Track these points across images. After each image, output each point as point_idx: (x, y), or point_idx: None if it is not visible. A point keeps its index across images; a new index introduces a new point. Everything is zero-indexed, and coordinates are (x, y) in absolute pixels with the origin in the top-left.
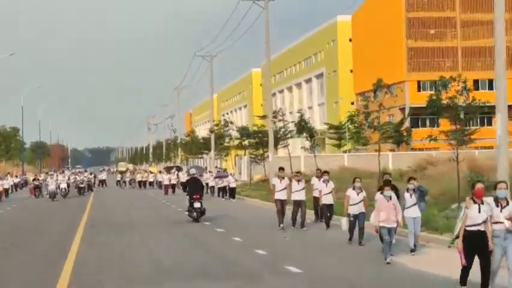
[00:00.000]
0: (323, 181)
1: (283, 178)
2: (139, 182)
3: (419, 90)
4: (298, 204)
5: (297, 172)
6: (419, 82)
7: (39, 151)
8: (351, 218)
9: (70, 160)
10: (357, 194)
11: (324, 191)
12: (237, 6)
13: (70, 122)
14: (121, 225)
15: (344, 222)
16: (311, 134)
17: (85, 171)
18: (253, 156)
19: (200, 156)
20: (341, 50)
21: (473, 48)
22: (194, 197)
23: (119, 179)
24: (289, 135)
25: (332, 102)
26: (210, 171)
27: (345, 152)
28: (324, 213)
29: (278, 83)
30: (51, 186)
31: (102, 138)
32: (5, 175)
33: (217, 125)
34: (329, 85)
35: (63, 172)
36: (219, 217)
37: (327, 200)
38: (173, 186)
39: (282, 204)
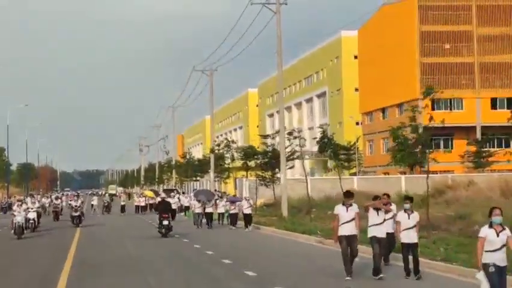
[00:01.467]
0: (404, 211)
1: (351, 205)
2: (136, 207)
3: (433, 109)
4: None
5: (385, 194)
6: (433, 100)
7: (26, 173)
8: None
9: (58, 183)
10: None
11: (405, 225)
12: (242, 13)
13: (59, 144)
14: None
15: (482, 279)
16: (335, 151)
17: (78, 194)
18: (261, 178)
19: (195, 179)
20: (345, 67)
21: (491, 64)
22: (163, 215)
23: (106, 203)
24: (293, 156)
25: (335, 123)
26: (220, 196)
27: (353, 174)
28: (404, 256)
29: (276, 103)
30: (18, 218)
31: (92, 161)
32: None
33: (218, 144)
34: (332, 105)
35: (32, 196)
36: (249, 257)
37: (408, 237)
38: (173, 211)
39: (349, 242)
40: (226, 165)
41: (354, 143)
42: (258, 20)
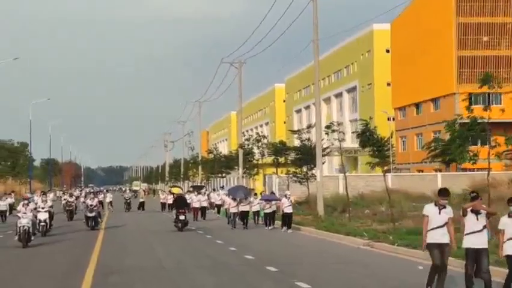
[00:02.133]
0: (509, 215)
1: (444, 207)
2: (162, 204)
3: (470, 103)
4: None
5: (473, 193)
6: (470, 95)
7: (50, 168)
8: None
9: (82, 179)
10: None
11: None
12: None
13: (83, 140)
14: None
15: None
16: (379, 146)
17: (100, 191)
18: (294, 174)
19: (222, 175)
20: (377, 61)
21: None
22: (179, 211)
23: (128, 200)
24: (328, 151)
25: (366, 118)
26: (255, 193)
27: (386, 171)
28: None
29: (304, 98)
30: (24, 221)
31: (115, 157)
32: (7, 194)
33: (247, 139)
34: (363, 100)
35: (43, 194)
36: (296, 263)
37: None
38: (203, 210)
39: (441, 252)
40: (255, 161)
41: (388, 139)
42: (288, 13)
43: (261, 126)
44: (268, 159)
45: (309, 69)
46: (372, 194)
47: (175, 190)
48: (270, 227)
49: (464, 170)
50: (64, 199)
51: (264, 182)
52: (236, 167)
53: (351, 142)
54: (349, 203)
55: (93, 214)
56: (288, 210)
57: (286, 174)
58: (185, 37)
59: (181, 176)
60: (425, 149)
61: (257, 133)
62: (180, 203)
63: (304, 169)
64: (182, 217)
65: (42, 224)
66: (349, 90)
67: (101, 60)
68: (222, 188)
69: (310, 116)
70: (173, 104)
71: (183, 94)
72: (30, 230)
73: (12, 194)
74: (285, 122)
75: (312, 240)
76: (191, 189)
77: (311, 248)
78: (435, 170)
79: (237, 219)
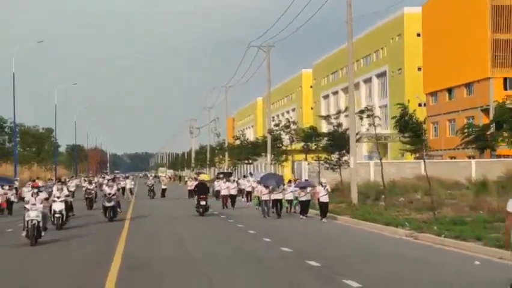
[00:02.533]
0: None
1: None
2: (190, 192)
3: (505, 88)
4: None
5: None
6: (505, 79)
7: (75, 154)
8: None
9: (108, 165)
10: None
11: None
12: None
13: (109, 127)
14: None
15: None
16: (418, 131)
17: (126, 177)
18: (327, 161)
19: (249, 161)
20: (408, 45)
21: None
22: (201, 197)
23: (152, 186)
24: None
25: (396, 104)
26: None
27: (419, 158)
28: None
29: (332, 84)
30: (32, 214)
31: (141, 144)
32: (32, 181)
33: (277, 125)
34: (393, 85)
35: (62, 182)
36: (340, 258)
37: None
38: (232, 198)
39: None
40: (284, 148)
41: (421, 124)
42: None
43: (288, 112)
44: (298, 146)
45: (337, 54)
46: (404, 181)
47: (204, 177)
48: (304, 216)
49: (499, 156)
50: (83, 186)
51: (292, 169)
52: (263, 154)
53: (380, 128)
54: (384, 191)
55: (111, 204)
56: (324, 199)
57: (315, 160)
58: (214, 24)
59: (207, 163)
60: (459, 135)
61: (287, 119)
62: (201, 189)
63: (336, 155)
64: (203, 202)
65: (58, 215)
66: (378, 76)
67: (128, 45)
68: (251, 175)
69: (338, 101)
70: (200, 91)
71: (210, 80)
72: (40, 224)
73: (37, 181)
74: (312, 108)
75: (350, 230)
76: (221, 175)
77: (351, 240)
78: (469, 157)
79: (270, 207)
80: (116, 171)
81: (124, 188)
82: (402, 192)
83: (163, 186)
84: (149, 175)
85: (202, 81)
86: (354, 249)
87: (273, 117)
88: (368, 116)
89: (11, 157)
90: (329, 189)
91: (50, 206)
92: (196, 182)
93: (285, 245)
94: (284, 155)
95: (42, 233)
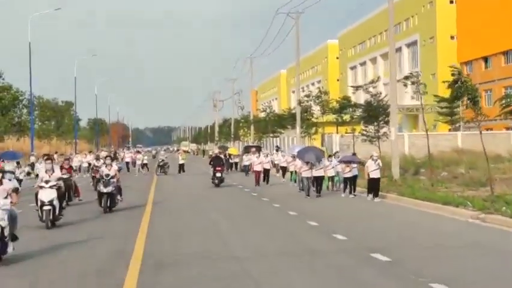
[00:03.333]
0: None
1: None
2: None
3: None
4: None
5: None
6: None
7: (96, 128)
8: None
9: (130, 139)
10: None
11: None
12: None
13: (131, 100)
14: None
15: None
16: (475, 97)
17: (137, 151)
18: (364, 133)
19: (275, 135)
20: (440, 13)
21: None
22: (217, 169)
23: (161, 162)
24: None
25: (427, 74)
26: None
27: (455, 130)
28: None
29: (359, 54)
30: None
31: (164, 118)
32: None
33: (307, 95)
34: (424, 54)
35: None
36: (408, 250)
37: None
38: (266, 173)
39: None
40: (314, 119)
41: (477, 89)
42: None
43: (313, 84)
44: (329, 117)
45: (365, 24)
46: (441, 155)
47: (233, 151)
48: (351, 195)
49: None
50: (89, 163)
51: (321, 142)
52: (289, 126)
53: (410, 99)
54: (430, 165)
55: (108, 189)
56: (375, 175)
57: (348, 133)
58: None
59: (232, 136)
60: (497, 105)
61: (318, 88)
62: (216, 161)
63: (374, 127)
64: (218, 174)
65: (47, 207)
66: (409, 45)
67: (150, 16)
68: (278, 149)
69: (366, 72)
70: (223, 63)
71: (233, 52)
72: (5, 232)
73: (55, 156)
74: (338, 80)
75: (406, 212)
76: (250, 149)
77: (415, 225)
78: (507, 128)
79: (310, 185)
80: (138, 145)
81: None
82: (442, 166)
83: (181, 161)
84: (171, 149)
85: (225, 53)
86: (421, 237)
87: (297, 90)
88: (413, 83)
89: (29, 131)
90: (380, 164)
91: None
92: (231, 157)
93: (337, 231)
94: (314, 128)
95: (9, 249)
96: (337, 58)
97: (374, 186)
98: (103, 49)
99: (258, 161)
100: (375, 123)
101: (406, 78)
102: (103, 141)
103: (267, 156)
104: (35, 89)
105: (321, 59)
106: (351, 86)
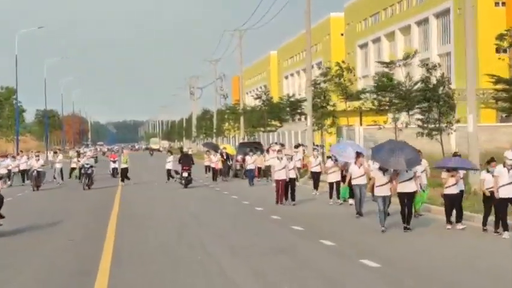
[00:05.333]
0: None
1: None
2: (206, 168)
3: None
4: None
5: None
6: None
7: (46, 121)
8: None
9: (90, 135)
10: None
11: None
12: None
13: (90, 89)
14: None
15: None
16: None
17: (77, 153)
18: (421, 124)
19: (269, 129)
20: None
21: None
22: (184, 168)
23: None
24: None
25: (461, 52)
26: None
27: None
28: None
29: (371, 29)
30: None
31: (129, 110)
32: None
33: (324, 74)
34: (460, 26)
35: None
36: None
37: None
38: (292, 184)
39: None
40: (330, 107)
41: None
42: None
43: (312, 67)
44: (354, 104)
45: None
46: (500, 152)
47: (229, 149)
48: (460, 225)
49: None
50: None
51: (337, 136)
52: (288, 117)
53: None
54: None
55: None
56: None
57: (372, 124)
58: None
59: (214, 131)
60: None
61: (337, 63)
62: (185, 160)
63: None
64: (185, 174)
65: None
66: (438, 15)
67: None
68: (298, 146)
69: (380, 51)
70: (204, 43)
71: (217, 27)
72: None
73: None
74: (343, 61)
75: None
76: (275, 147)
77: None
78: None
79: (386, 209)
80: (99, 143)
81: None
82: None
83: (123, 165)
84: (138, 147)
85: (206, 30)
86: None
87: (291, 74)
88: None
89: None
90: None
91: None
92: (217, 158)
93: None
94: (331, 118)
95: None
96: (342, 35)
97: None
98: (53, 22)
99: (281, 166)
100: (436, 110)
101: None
102: (55, 138)
103: (291, 159)
104: None
105: (323, 37)
106: (379, 62)
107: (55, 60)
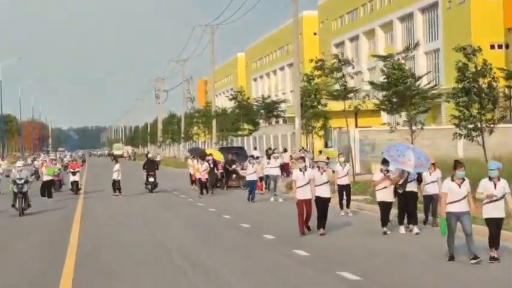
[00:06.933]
0: None
1: None
2: (191, 177)
3: None
4: None
5: None
6: None
7: (1, 126)
8: None
9: (50, 141)
10: None
11: None
12: None
13: (51, 94)
14: None
15: None
16: None
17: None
18: (459, 123)
19: (239, 134)
20: None
21: None
22: (150, 173)
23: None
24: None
25: (449, 49)
26: None
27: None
28: None
29: (348, 26)
30: None
31: (91, 116)
32: None
33: (321, 68)
34: (449, 21)
35: None
36: None
37: None
38: (325, 206)
39: None
40: (321, 107)
41: None
42: None
43: (281, 69)
44: (335, 106)
45: None
46: None
47: (217, 156)
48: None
49: None
50: None
51: (325, 140)
52: (262, 120)
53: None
54: None
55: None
56: None
57: (395, 123)
58: None
59: (182, 136)
60: None
61: (335, 55)
62: (150, 166)
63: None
64: (151, 179)
65: None
66: (424, 9)
67: None
68: (302, 151)
69: (358, 49)
70: (170, 44)
71: (184, 25)
72: None
73: None
74: (316, 62)
75: None
76: (299, 153)
77: None
78: None
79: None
80: (60, 149)
81: None
82: None
83: (45, 177)
84: (99, 153)
85: (172, 30)
86: None
87: (256, 78)
88: None
89: None
90: None
91: None
92: (204, 166)
93: None
94: (323, 119)
95: None
96: (315, 34)
97: None
98: (9, 20)
99: (305, 180)
100: (479, 107)
101: None
102: (13, 144)
103: (318, 169)
104: None
105: (293, 36)
106: (375, 56)
107: (11, 62)
